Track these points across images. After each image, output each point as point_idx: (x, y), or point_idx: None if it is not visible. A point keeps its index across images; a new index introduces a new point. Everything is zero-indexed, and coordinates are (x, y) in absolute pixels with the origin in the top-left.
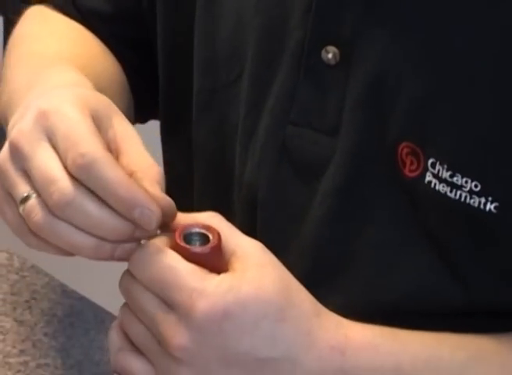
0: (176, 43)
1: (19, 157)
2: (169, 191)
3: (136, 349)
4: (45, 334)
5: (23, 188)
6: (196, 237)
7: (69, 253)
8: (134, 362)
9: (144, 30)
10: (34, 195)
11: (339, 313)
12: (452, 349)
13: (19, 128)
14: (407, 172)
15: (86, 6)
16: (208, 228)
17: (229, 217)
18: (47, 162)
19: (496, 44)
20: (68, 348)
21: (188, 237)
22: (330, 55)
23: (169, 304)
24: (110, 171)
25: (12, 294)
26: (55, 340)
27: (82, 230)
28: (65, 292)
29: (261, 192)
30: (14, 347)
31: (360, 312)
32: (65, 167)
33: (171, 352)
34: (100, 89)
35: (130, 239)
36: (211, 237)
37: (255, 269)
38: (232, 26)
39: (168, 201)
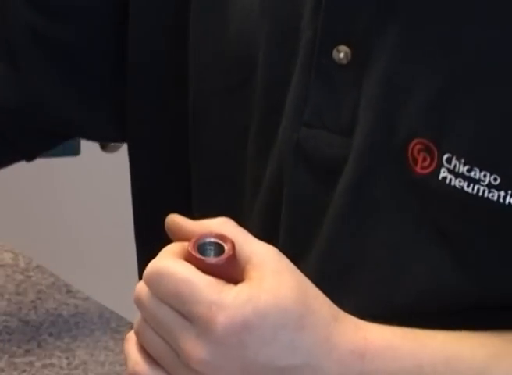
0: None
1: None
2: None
3: (154, 361)
4: (50, 334)
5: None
6: (210, 247)
7: None
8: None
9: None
10: None
11: (354, 316)
12: (472, 348)
13: None
14: (418, 169)
15: None
16: (222, 237)
17: (239, 223)
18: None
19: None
20: (73, 348)
21: (202, 247)
22: (342, 55)
23: (187, 317)
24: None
25: (18, 294)
26: (60, 340)
27: None
28: (71, 292)
29: (284, 196)
30: (19, 347)
31: (373, 315)
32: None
33: (191, 366)
34: None
35: None
36: (225, 246)
37: (272, 277)
38: (237, 28)
39: None
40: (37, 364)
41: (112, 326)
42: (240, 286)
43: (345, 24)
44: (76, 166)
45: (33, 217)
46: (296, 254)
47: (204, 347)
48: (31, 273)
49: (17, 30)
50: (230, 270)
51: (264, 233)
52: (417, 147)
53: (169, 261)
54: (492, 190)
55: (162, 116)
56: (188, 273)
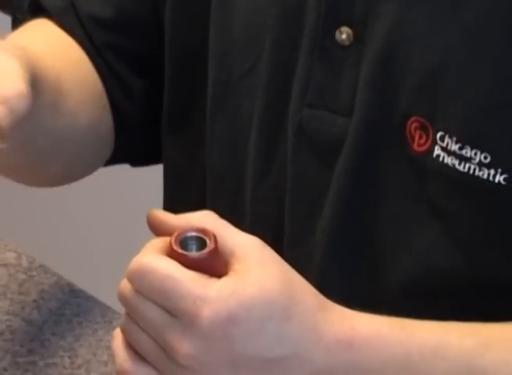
0: (187, 42)
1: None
2: (171, 191)
3: (142, 358)
4: (53, 334)
5: None
6: (192, 242)
7: None
8: (140, 371)
9: (141, 39)
10: None
11: (355, 291)
12: (460, 337)
13: None
14: (415, 147)
15: (85, 11)
16: (204, 231)
17: (244, 210)
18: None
19: (508, 17)
20: (76, 348)
21: (184, 242)
22: (344, 36)
23: (172, 313)
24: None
25: (20, 293)
26: (63, 339)
27: None
28: (73, 292)
29: (288, 178)
30: (22, 346)
31: (366, 295)
32: None
33: (178, 361)
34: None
35: None
36: (207, 240)
37: (256, 269)
38: (248, 16)
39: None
40: (40, 363)
41: (115, 325)
42: (223, 279)
43: (347, 5)
44: None
45: (36, 216)
46: (300, 237)
47: (190, 342)
48: (34, 273)
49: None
50: (213, 264)
51: (270, 220)
52: (414, 125)
53: (152, 257)
54: (483, 168)
55: (192, 115)
56: (171, 268)
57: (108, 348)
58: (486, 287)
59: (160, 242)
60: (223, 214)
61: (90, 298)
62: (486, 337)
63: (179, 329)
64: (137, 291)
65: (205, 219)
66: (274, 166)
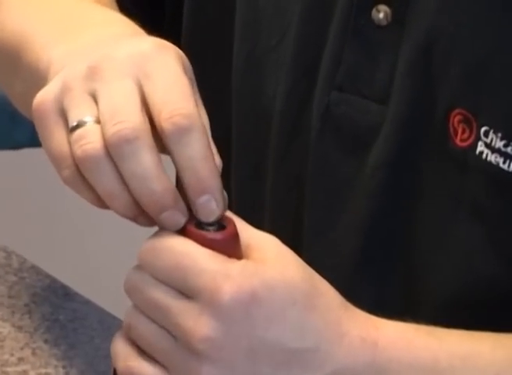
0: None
1: (94, 78)
2: None
3: (147, 356)
4: (46, 341)
5: (83, 111)
6: (209, 226)
7: (98, 201)
8: (146, 369)
9: None
10: (93, 121)
11: (388, 296)
12: (491, 348)
13: (107, 53)
14: (458, 141)
15: None
16: (222, 216)
17: (264, 200)
18: (125, 93)
19: None
20: (71, 357)
21: (199, 226)
22: (381, 15)
23: (189, 293)
24: (203, 144)
25: (10, 297)
26: (56, 347)
27: (125, 178)
28: (69, 295)
29: (309, 166)
30: (12, 355)
31: (402, 303)
32: (147, 115)
33: (194, 346)
34: None
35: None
36: (226, 224)
37: (276, 258)
38: None
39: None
40: (31, 373)
41: (114, 332)
42: (244, 261)
43: None
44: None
45: (27, 213)
46: (320, 231)
47: (208, 322)
48: (25, 274)
49: None
50: (232, 248)
51: (291, 210)
52: (458, 117)
53: (166, 237)
54: None
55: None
56: (188, 246)
57: (106, 357)
58: None
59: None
60: (243, 202)
61: (86, 303)
62: None
63: (196, 310)
64: (149, 273)
65: None
66: (296, 153)
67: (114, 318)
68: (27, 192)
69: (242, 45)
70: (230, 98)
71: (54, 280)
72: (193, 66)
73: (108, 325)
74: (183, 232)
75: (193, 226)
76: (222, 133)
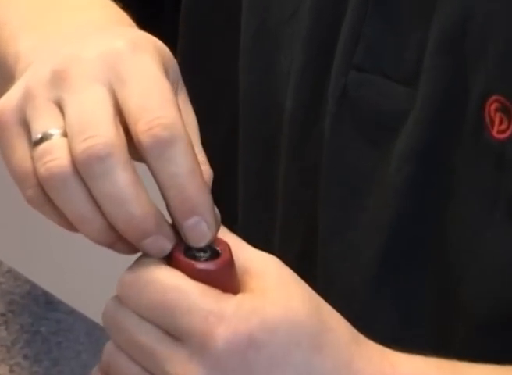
0: None
1: (60, 84)
2: None
3: None
4: (25, 357)
5: (48, 122)
6: (199, 253)
7: (68, 224)
8: None
9: None
10: (59, 134)
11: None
12: None
13: (75, 53)
14: (494, 133)
15: None
16: (216, 240)
17: (275, 196)
18: (95, 102)
19: None
20: None
21: (189, 252)
22: None
23: (177, 334)
24: (189, 158)
25: None
26: (37, 364)
27: (98, 200)
28: (51, 304)
29: (324, 156)
30: None
31: (434, 310)
32: (122, 123)
33: None
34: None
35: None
36: (219, 250)
37: (277, 288)
38: None
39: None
40: None
41: (103, 346)
42: (240, 295)
43: None
44: None
45: (3, 212)
46: (337, 231)
47: (198, 370)
48: (1, 279)
49: None
50: (227, 279)
51: (305, 207)
52: (495, 105)
53: (151, 267)
54: None
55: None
56: (176, 279)
57: None
58: None
59: None
60: (252, 200)
61: (71, 313)
62: None
63: (184, 355)
64: (132, 308)
65: None
66: (311, 142)
67: (103, 330)
68: (1, 189)
69: (250, 20)
70: (236, 81)
71: (34, 287)
72: (192, 48)
73: (97, 338)
74: (169, 259)
75: (181, 254)
76: (227, 123)
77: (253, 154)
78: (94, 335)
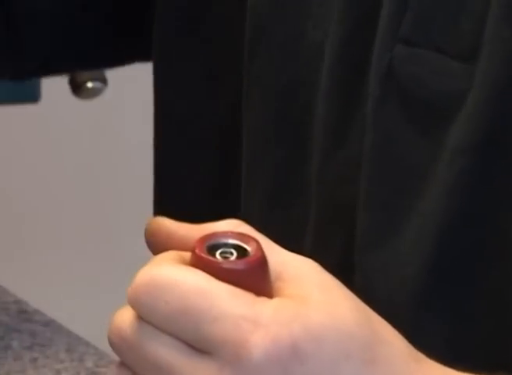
0: None
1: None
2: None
3: None
4: None
5: None
6: (226, 251)
7: None
8: None
9: None
10: None
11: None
12: None
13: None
14: None
15: None
16: (242, 237)
17: (303, 190)
18: None
19: None
20: None
21: (212, 250)
22: None
23: (201, 347)
24: None
25: None
26: None
27: None
28: (25, 313)
29: (365, 149)
30: None
31: (492, 331)
32: None
33: None
34: None
35: None
36: (248, 248)
37: (320, 294)
38: None
39: None
40: None
41: (88, 364)
42: (278, 299)
43: None
44: (35, 117)
45: None
46: (378, 236)
47: None
48: None
49: None
50: (258, 281)
51: (343, 212)
52: None
53: (169, 268)
54: None
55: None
56: (200, 280)
57: None
58: None
59: (173, 255)
60: (270, 196)
61: (49, 324)
62: None
63: (213, 369)
64: (146, 319)
65: (238, 230)
66: (352, 128)
67: (87, 345)
68: None
69: None
70: (241, 47)
71: (5, 292)
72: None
73: (80, 355)
74: (191, 258)
75: (204, 251)
76: (229, 97)
77: (271, 140)
78: (77, 351)
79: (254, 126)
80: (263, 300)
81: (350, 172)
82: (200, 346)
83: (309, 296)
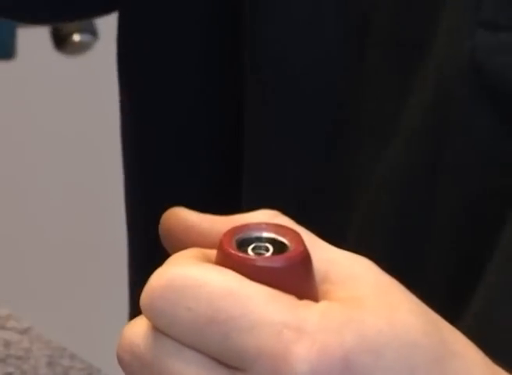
0: None
1: None
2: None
3: None
4: None
5: None
6: (260, 246)
7: None
8: None
9: None
10: None
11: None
12: None
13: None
14: None
15: None
16: (279, 229)
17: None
18: None
19: None
20: None
21: (244, 247)
22: None
23: (232, 362)
24: None
25: None
26: None
27: None
28: (0, 318)
29: (445, 151)
30: None
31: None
32: None
33: None
34: None
35: None
36: (287, 242)
37: (375, 296)
38: None
39: None
40: None
41: None
42: (325, 302)
43: None
44: (9, 77)
45: None
46: (465, 257)
47: None
48: None
49: None
50: (300, 282)
51: (403, 221)
52: None
53: (191, 267)
54: None
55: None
56: (231, 281)
57: None
58: None
59: (195, 252)
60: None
61: (25, 331)
62: None
63: None
64: (163, 330)
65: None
66: (430, 129)
67: (72, 357)
68: None
69: None
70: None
71: None
72: None
73: (64, 370)
74: (217, 255)
75: (233, 247)
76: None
77: (303, 150)
78: (60, 365)
79: (268, 122)
80: (307, 303)
81: (413, 177)
82: (231, 361)
83: (363, 299)
